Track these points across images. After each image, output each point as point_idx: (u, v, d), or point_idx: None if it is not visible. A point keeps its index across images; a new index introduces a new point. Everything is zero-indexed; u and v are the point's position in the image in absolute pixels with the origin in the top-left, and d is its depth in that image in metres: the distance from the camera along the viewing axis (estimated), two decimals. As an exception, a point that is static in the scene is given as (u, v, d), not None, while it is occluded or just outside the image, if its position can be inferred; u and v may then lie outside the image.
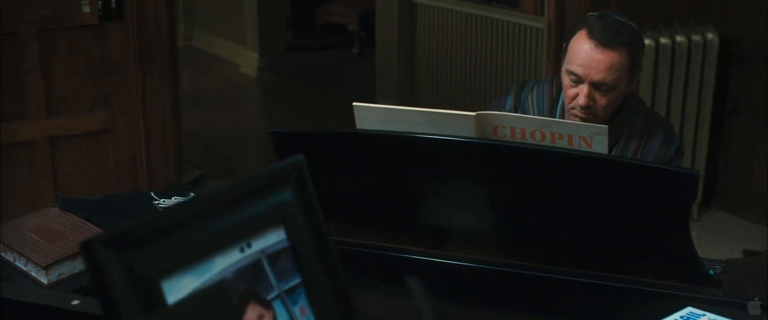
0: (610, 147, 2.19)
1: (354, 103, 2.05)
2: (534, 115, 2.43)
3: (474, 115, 1.95)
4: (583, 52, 2.25)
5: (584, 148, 1.93)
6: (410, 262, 1.99)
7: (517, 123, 1.97)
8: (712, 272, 1.86)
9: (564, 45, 2.36)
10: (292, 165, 1.25)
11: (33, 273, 1.77)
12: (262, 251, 1.18)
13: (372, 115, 2.05)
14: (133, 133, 3.61)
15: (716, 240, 4.23)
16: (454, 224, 2.03)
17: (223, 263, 1.13)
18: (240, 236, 1.16)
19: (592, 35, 2.25)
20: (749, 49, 4.49)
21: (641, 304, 1.82)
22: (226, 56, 8.52)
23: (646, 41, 4.08)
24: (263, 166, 5.87)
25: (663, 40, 4.29)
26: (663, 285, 1.83)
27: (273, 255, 1.20)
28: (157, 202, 2.00)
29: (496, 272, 1.92)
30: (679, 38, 4.32)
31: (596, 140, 1.92)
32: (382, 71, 6.37)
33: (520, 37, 5.01)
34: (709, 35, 4.38)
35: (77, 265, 1.78)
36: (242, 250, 1.16)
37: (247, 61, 8.18)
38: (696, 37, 4.35)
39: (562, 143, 1.94)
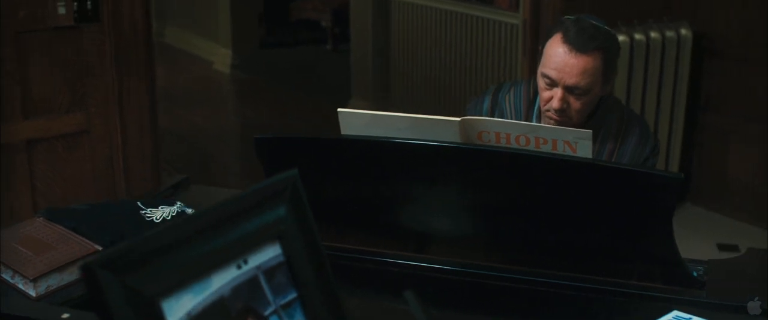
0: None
1: (339, 109, 2.05)
2: (511, 116, 2.44)
3: (458, 121, 1.96)
4: (557, 56, 2.27)
5: (569, 152, 1.95)
6: (395, 267, 1.99)
7: (502, 128, 1.98)
8: (695, 273, 1.88)
9: (540, 47, 2.37)
10: (287, 180, 1.25)
11: (21, 286, 1.75)
12: (258, 267, 1.19)
13: (356, 120, 2.06)
14: (109, 133, 3.59)
15: (691, 235, 4.25)
16: (439, 229, 2.04)
17: (221, 280, 1.13)
18: (236, 253, 1.16)
19: (567, 39, 2.26)
20: (723, 44, 4.53)
21: (627, 308, 1.84)
22: (199, 53, 8.47)
23: (620, 37, 4.11)
24: (238, 164, 5.78)
25: (637, 36, 4.32)
26: (648, 289, 1.85)
27: (269, 271, 1.20)
28: (143, 212, 1.99)
29: (480, 276, 1.93)
30: (653, 34, 4.36)
31: (580, 145, 1.94)
32: (357, 67, 6.36)
33: (495, 34, 5.02)
34: (683, 31, 4.42)
35: (65, 277, 1.76)
36: (239, 267, 1.16)
37: (221, 57, 8.14)
38: (670, 33, 4.39)
39: (546, 148, 1.95)
